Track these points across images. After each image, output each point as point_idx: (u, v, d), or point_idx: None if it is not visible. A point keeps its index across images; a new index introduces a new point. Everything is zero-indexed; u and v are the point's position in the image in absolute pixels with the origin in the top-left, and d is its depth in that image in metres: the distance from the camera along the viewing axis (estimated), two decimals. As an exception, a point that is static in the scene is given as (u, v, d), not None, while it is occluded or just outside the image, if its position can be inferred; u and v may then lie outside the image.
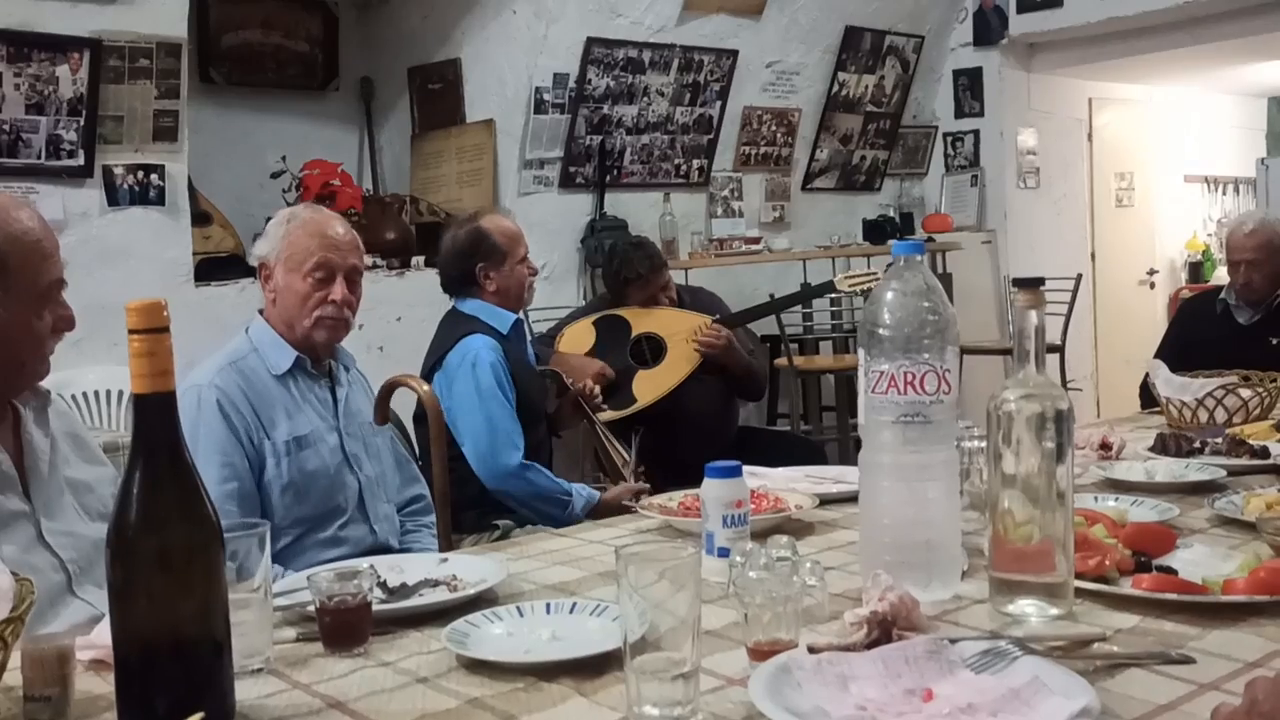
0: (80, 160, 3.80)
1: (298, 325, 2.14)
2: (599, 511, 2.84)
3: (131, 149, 3.92)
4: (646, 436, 3.55)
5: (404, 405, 2.45)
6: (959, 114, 6.36)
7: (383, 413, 2.17)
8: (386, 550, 2.14)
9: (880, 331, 1.30)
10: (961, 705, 0.95)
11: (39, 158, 3.72)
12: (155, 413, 0.99)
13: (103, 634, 1.13)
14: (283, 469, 2.07)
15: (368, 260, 4.43)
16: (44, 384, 1.61)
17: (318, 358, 2.20)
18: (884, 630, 1.10)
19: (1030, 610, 1.23)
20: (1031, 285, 1.24)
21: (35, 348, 1.50)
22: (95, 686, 1.11)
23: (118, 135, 3.88)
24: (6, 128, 3.65)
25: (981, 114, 6.28)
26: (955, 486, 1.35)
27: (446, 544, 2.20)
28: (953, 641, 1.06)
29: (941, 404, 1.29)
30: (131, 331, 0.98)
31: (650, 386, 3.68)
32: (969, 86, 6.29)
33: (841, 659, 1.03)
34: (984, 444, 1.48)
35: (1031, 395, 1.24)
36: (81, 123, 3.77)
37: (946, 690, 0.98)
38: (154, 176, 3.97)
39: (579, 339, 3.75)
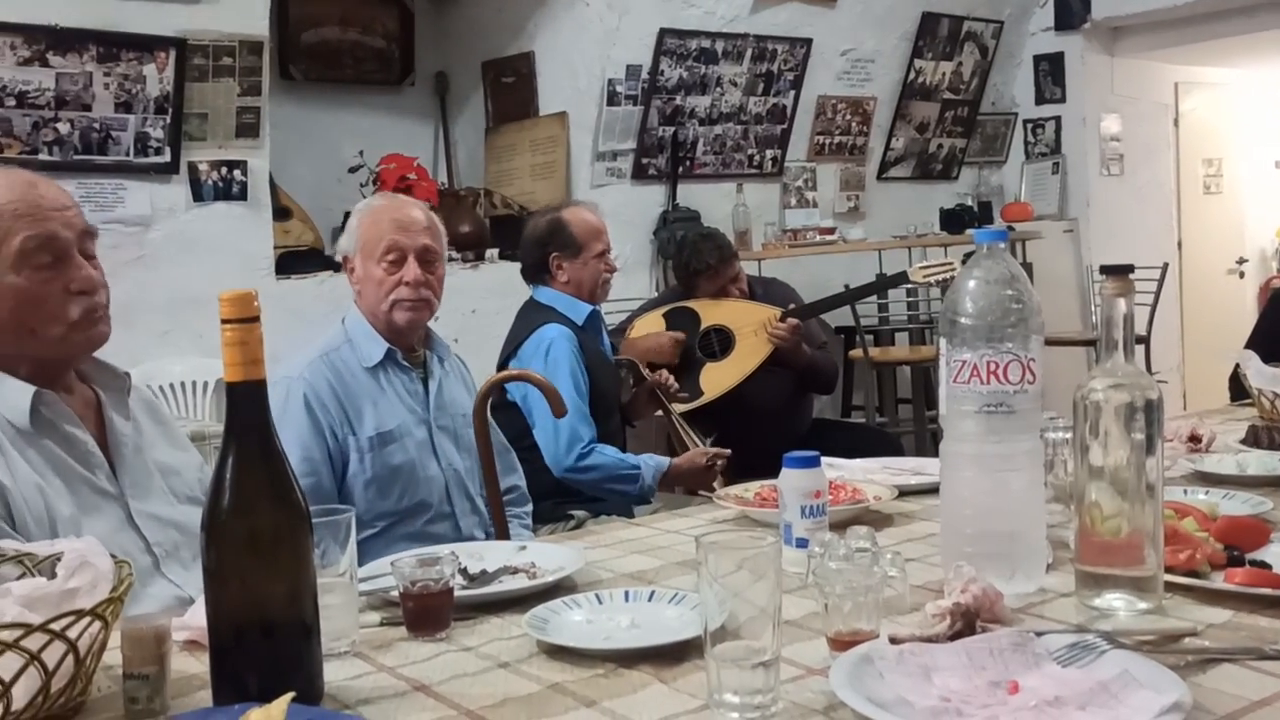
0: (166, 157, 3.91)
1: (380, 312, 2.15)
2: (671, 476, 2.85)
3: (215, 146, 4.02)
4: (717, 428, 3.54)
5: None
6: (1039, 100, 6.24)
7: (480, 417, 2.15)
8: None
9: (962, 320, 1.28)
10: (1048, 698, 0.93)
11: (127, 155, 3.84)
12: (247, 400, 1.02)
13: (196, 615, 1.17)
14: (366, 464, 2.09)
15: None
16: (131, 373, 1.65)
17: (409, 348, 2.20)
18: (967, 622, 1.09)
19: (1118, 604, 1.20)
20: (1120, 272, 1.21)
21: (39, 312, 1.47)
22: (189, 666, 1.14)
23: (202, 132, 3.98)
24: (97, 126, 3.76)
25: (1063, 100, 6.15)
26: (1039, 477, 1.33)
27: (502, 534, 2.20)
28: (1038, 634, 1.05)
29: (1026, 394, 1.27)
30: (224, 321, 1.01)
31: (718, 379, 3.67)
32: (1050, 72, 6.17)
33: (924, 650, 1.02)
34: (1069, 435, 1.45)
35: (1120, 385, 1.21)
36: (168, 120, 3.88)
37: (1032, 683, 0.97)
38: (237, 172, 4.07)
39: (649, 331, 3.75)
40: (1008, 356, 1.26)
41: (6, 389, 1.45)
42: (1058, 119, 6.21)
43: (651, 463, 2.86)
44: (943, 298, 4.56)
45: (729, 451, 3.06)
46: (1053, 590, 1.29)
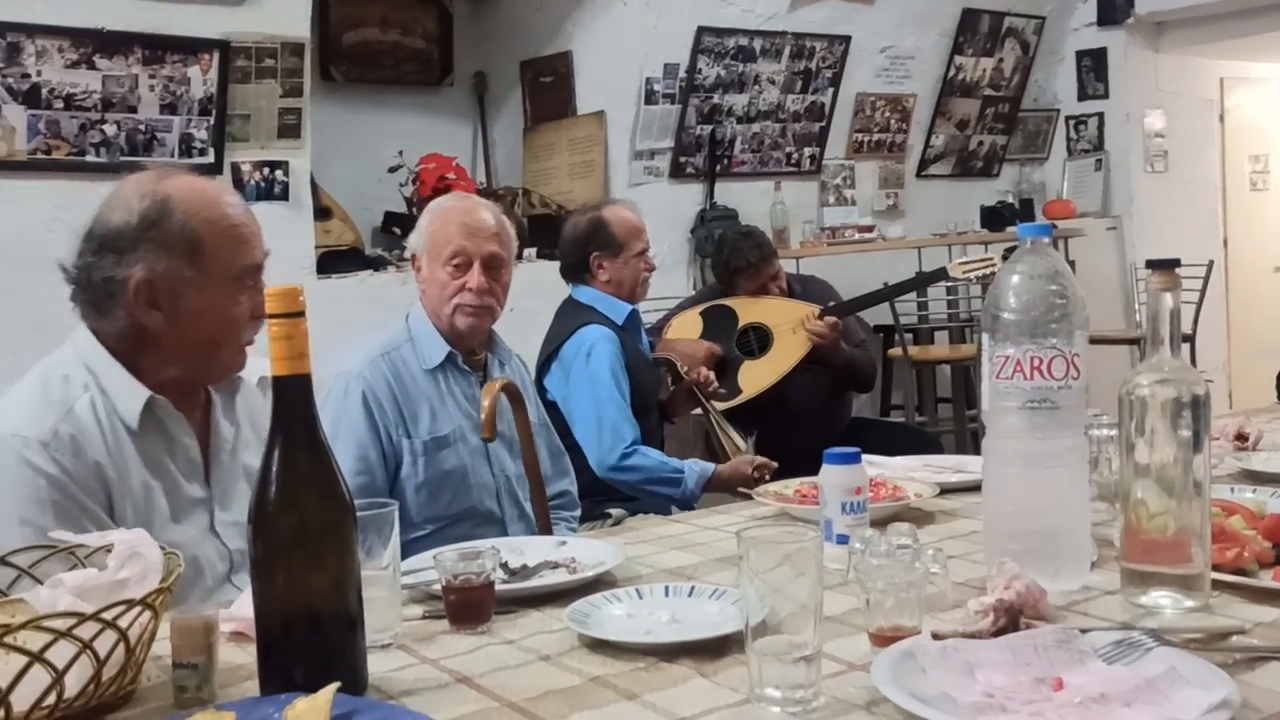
0: (210, 158, 3.96)
1: (442, 315, 2.15)
2: (715, 484, 2.81)
3: (258, 146, 4.07)
4: (755, 426, 3.53)
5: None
6: (1082, 96, 6.18)
7: (490, 427, 1.98)
8: None
9: (1005, 315, 1.27)
10: (1094, 695, 0.92)
11: (172, 156, 3.89)
12: (293, 394, 1.03)
13: (243, 607, 1.18)
14: (419, 468, 2.09)
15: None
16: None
17: (470, 351, 2.20)
18: (1011, 619, 1.08)
19: (1164, 602, 1.19)
20: (1166, 266, 1.20)
21: (230, 332, 1.53)
22: (236, 657, 1.16)
23: (245, 133, 4.03)
24: (143, 128, 3.82)
25: (1106, 96, 6.09)
26: (1084, 474, 1.32)
27: (546, 530, 2.20)
28: (1083, 631, 1.04)
29: (1070, 389, 1.25)
30: (270, 316, 1.02)
31: (756, 377, 3.66)
32: (1093, 68, 6.10)
33: (967, 646, 1.01)
34: (1113, 433, 1.44)
35: (1166, 380, 1.19)
36: (211, 122, 3.93)
37: (1077, 680, 0.96)
38: (279, 173, 4.11)
39: (687, 329, 3.75)
40: (1052, 352, 1.25)
41: (125, 390, 1.48)
42: (1100, 115, 6.14)
43: (696, 468, 2.82)
44: (983, 294, 4.51)
45: (775, 465, 3.01)
46: (1097, 588, 1.28)
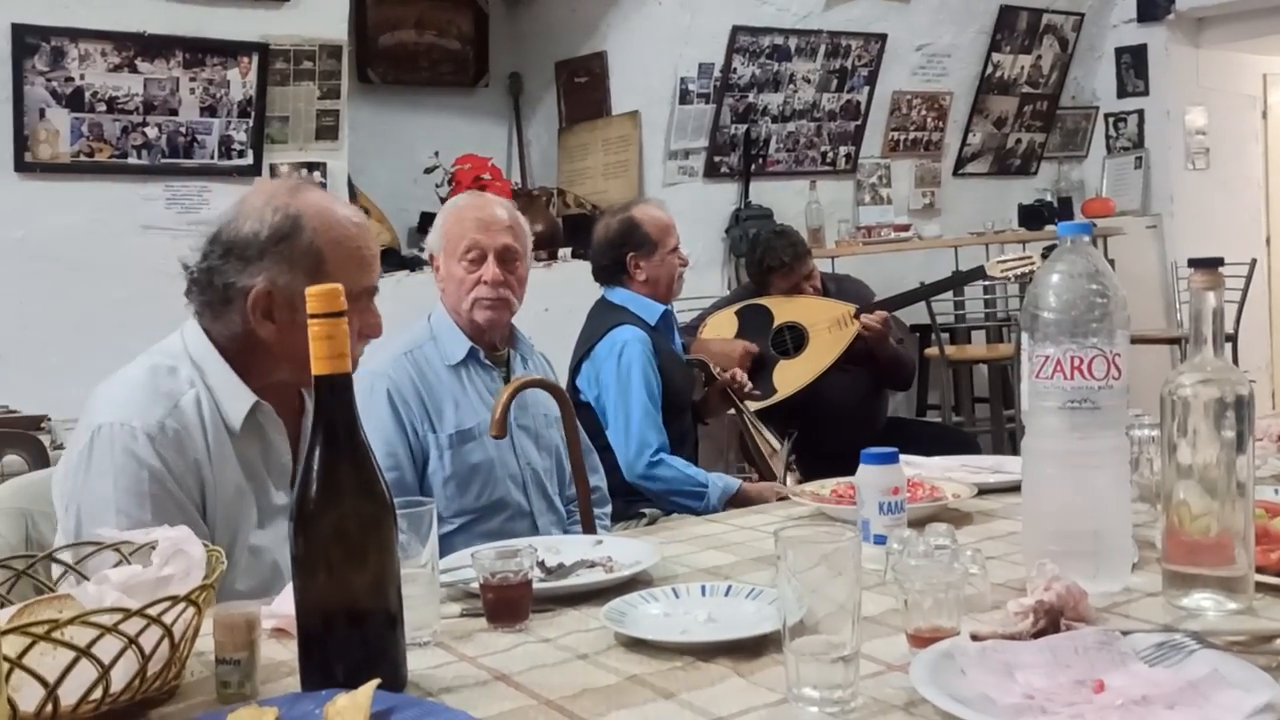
0: (249, 160, 4.00)
1: (461, 311, 2.19)
2: (739, 500, 2.81)
3: (296, 148, 4.11)
4: (791, 426, 3.51)
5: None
6: (1121, 93, 6.11)
7: (500, 425, 1.91)
8: None
9: (1044, 315, 1.26)
10: (1135, 697, 0.92)
11: (212, 158, 3.94)
12: (334, 393, 1.04)
13: (284, 604, 1.20)
14: (445, 462, 2.11)
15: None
16: None
17: (492, 346, 2.23)
18: (1051, 620, 1.07)
19: (1207, 604, 1.18)
20: (1210, 265, 1.18)
21: None
22: (278, 653, 1.17)
23: (283, 135, 4.07)
24: (183, 130, 3.87)
25: (1146, 93, 6.02)
26: (1125, 475, 1.30)
27: (589, 530, 2.21)
28: (1124, 633, 1.03)
29: (1111, 390, 1.24)
30: (311, 315, 1.03)
31: (791, 377, 3.65)
32: (1133, 64, 6.03)
33: (1007, 647, 1.01)
34: (1155, 433, 1.42)
35: (1209, 380, 1.18)
36: (250, 124, 3.97)
37: (1119, 682, 0.95)
38: (316, 174, 4.15)
39: (721, 328, 3.75)
40: (1092, 351, 1.24)
41: (232, 392, 1.50)
42: (1140, 112, 6.07)
43: (720, 484, 2.81)
44: (1020, 293, 4.47)
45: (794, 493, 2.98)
46: (1138, 590, 1.27)
